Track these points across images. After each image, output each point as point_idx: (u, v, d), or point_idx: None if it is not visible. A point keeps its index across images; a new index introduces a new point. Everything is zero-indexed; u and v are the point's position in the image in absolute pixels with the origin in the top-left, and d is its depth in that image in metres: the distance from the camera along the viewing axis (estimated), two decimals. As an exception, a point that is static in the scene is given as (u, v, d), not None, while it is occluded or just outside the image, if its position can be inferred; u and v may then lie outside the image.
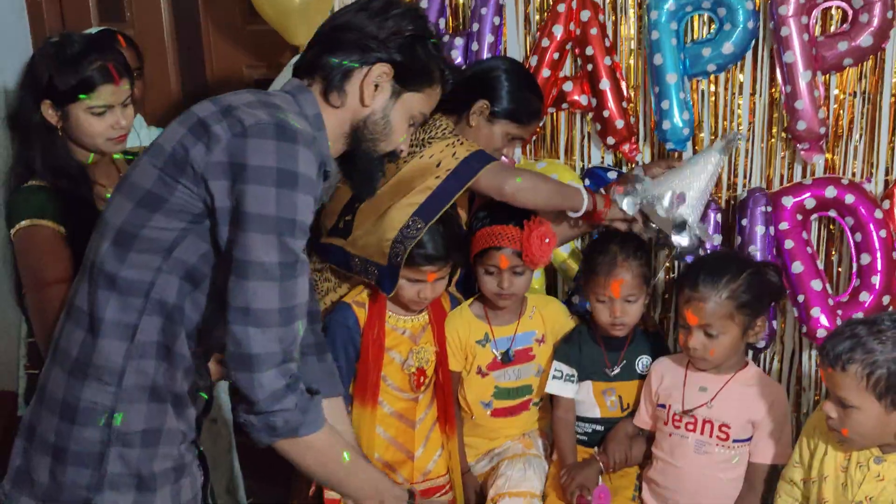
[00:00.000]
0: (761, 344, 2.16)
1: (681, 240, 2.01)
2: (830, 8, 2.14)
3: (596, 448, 2.14)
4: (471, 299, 2.20)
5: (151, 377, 1.35)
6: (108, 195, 1.90)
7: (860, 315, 2.07)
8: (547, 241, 2.02)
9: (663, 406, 2.01)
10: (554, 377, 2.12)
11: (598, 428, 2.16)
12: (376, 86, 1.47)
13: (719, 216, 2.28)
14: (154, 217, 1.30)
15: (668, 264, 2.12)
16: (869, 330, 1.63)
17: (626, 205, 2.04)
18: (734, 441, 1.93)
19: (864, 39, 2.08)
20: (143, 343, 1.33)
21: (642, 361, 2.13)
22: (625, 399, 2.14)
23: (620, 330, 2.07)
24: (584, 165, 2.43)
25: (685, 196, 2.02)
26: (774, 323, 2.23)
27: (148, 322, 1.33)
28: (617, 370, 2.13)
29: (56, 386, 1.36)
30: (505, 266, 2.04)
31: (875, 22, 2.06)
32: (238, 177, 1.26)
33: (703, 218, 2.17)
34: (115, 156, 1.96)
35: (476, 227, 2.09)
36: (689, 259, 2.13)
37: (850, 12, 2.10)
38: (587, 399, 2.14)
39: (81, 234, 1.80)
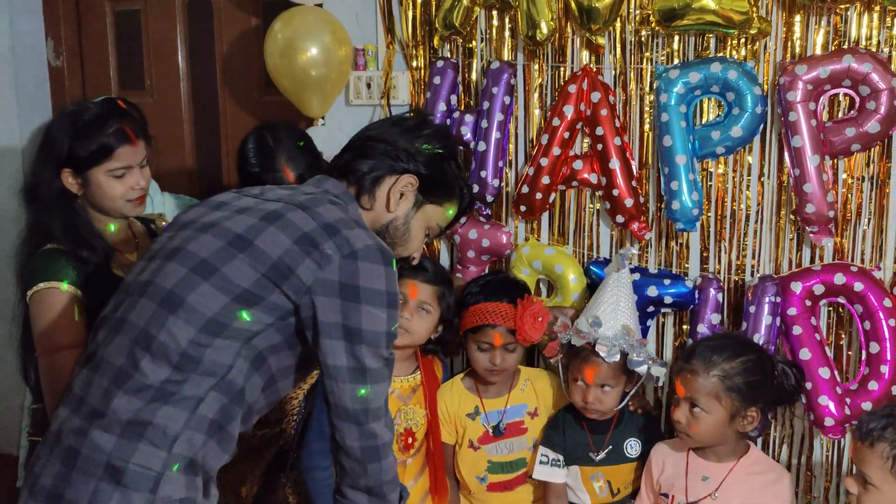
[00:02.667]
0: (753, 433, 2.13)
1: (607, 356, 2.00)
2: (838, 95, 2.17)
3: None
4: (462, 374, 2.21)
5: (196, 449, 1.40)
6: (134, 260, 1.94)
7: (869, 405, 2.05)
8: (539, 319, 2.06)
9: (666, 496, 1.97)
10: (541, 462, 2.11)
11: None
12: (402, 194, 1.60)
13: (721, 296, 2.27)
14: (246, 311, 1.40)
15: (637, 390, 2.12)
16: None
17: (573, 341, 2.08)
18: None
19: (872, 126, 2.10)
20: (202, 416, 1.39)
21: (630, 444, 2.10)
22: (614, 484, 2.10)
23: (594, 414, 2.06)
24: (591, 255, 2.44)
25: (598, 318, 2.05)
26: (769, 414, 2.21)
27: (213, 398, 1.40)
28: (602, 455, 2.10)
29: (95, 449, 1.36)
30: (498, 343, 2.06)
31: (882, 110, 2.08)
32: (350, 296, 1.40)
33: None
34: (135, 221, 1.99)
35: (469, 301, 2.11)
36: (657, 381, 2.13)
37: (858, 99, 2.13)
38: (576, 485, 2.11)
39: (98, 300, 1.83)
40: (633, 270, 2.32)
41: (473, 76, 2.51)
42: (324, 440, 2.07)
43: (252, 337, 1.41)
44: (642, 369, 2.02)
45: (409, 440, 2.11)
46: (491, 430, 2.15)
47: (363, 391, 1.44)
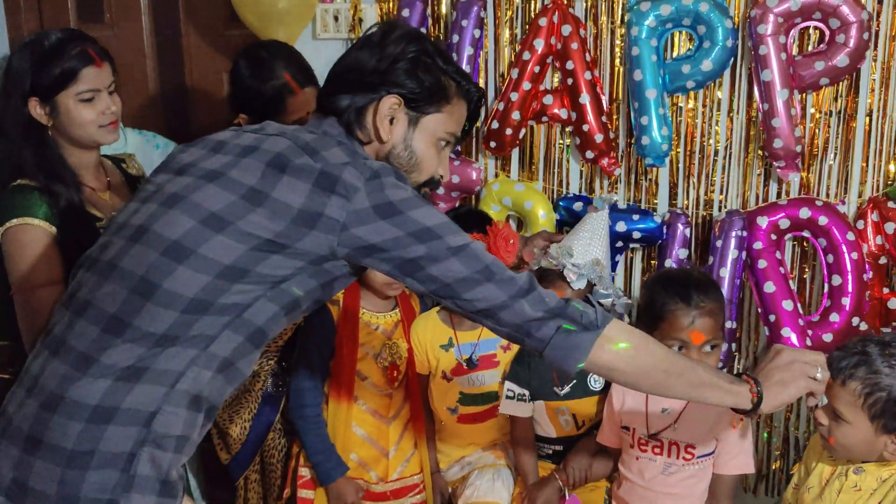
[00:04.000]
0: (718, 365, 2.17)
1: (573, 281, 2.02)
2: (808, 28, 2.16)
3: (555, 467, 2.15)
4: (438, 306, 2.22)
5: (202, 385, 1.35)
6: (107, 198, 1.90)
7: (830, 336, 2.10)
8: (511, 241, 2.06)
9: (627, 428, 2.01)
10: (507, 397, 2.14)
11: (558, 448, 2.17)
12: (390, 119, 1.46)
13: (689, 231, 2.29)
14: (273, 258, 1.33)
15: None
16: (880, 351, 1.62)
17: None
18: (699, 457, 1.94)
19: (841, 60, 2.10)
20: (212, 354, 1.35)
21: (594, 378, 2.14)
22: (579, 417, 2.15)
23: None
24: (560, 190, 2.44)
25: (571, 248, 2.06)
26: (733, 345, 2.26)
27: (226, 336, 1.35)
28: (567, 389, 2.13)
29: (83, 394, 1.31)
30: None
31: (851, 43, 2.08)
32: (391, 212, 1.33)
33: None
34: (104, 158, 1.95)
35: None
36: (620, 313, 2.12)
37: (828, 33, 2.12)
38: (541, 419, 2.15)
39: (71, 235, 1.80)
40: (608, 219, 2.32)
41: (443, 9, 2.46)
42: (311, 378, 2.10)
43: (281, 281, 1.35)
44: (607, 301, 2.04)
45: (395, 373, 2.14)
46: (464, 363, 2.18)
47: (470, 255, 1.35)
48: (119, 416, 1.30)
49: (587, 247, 2.07)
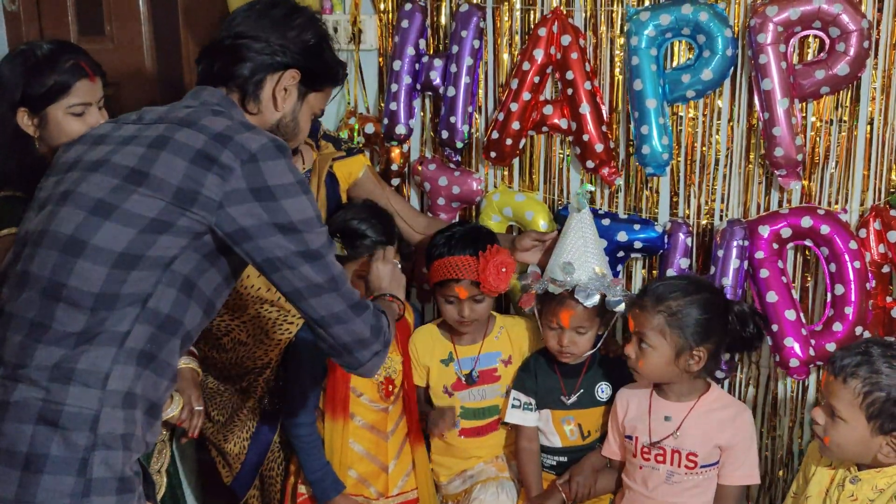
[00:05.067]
0: (720, 374, 2.16)
1: (585, 300, 2.02)
2: (808, 37, 2.16)
3: (557, 477, 2.13)
4: (439, 319, 2.22)
5: (129, 382, 1.38)
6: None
7: (833, 346, 2.09)
8: (504, 270, 2.05)
9: (630, 437, 2.00)
10: (513, 406, 2.13)
11: (563, 459, 2.16)
12: (286, 90, 1.58)
13: (690, 240, 2.28)
14: (160, 239, 1.37)
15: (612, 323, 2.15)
16: (883, 352, 1.65)
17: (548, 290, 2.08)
18: (702, 467, 1.93)
19: (841, 68, 2.09)
20: (130, 349, 1.37)
21: (601, 388, 2.13)
22: (584, 427, 2.14)
23: (568, 358, 2.08)
24: (561, 201, 2.43)
25: (571, 263, 2.05)
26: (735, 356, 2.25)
27: (139, 330, 1.38)
28: (574, 398, 2.12)
29: (25, 399, 1.33)
30: (464, 297, 2.08)
31: (852, 51, 2.07)
32: (266, 197, 1.38)
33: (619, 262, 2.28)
34: None
35: (434, 255, 2.10)
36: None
37: (828, 41, 2.12)
38: (547, 428, 2.14)
39: None
40: (602, 215, 2.33)
41: (443, 19, 2.46)
42: (304, 397, 2.09)
43: (170, 262, 1.38)
44: (621, 307, 2.04)
45: (390, 387, 2.12)
46: (463, 378, 2.17)
47: (323, 264, 1.46)
48: (64, 420, 1.33)
49: (584, 256, 2.06)
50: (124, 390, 1.37)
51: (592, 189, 2.33)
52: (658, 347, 1.89)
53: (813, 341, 2.15)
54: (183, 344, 1.46)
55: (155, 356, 1.40)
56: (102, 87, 1.88)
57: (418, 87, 2.47)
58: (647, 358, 1.90)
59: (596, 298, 2.01)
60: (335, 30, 2.54)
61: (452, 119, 2.40)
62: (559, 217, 2.40)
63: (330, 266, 1.47)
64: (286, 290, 1.47)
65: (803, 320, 2.18)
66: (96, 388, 1.35)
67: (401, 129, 2.49)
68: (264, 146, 1.40)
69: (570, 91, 2.30)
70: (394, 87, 2.46)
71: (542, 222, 2.38)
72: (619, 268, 2.37)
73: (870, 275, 2.14)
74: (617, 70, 2.32)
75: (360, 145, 2.49)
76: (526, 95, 2.33)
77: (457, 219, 2.52)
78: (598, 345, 2.12)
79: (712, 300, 1.94)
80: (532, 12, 2.36)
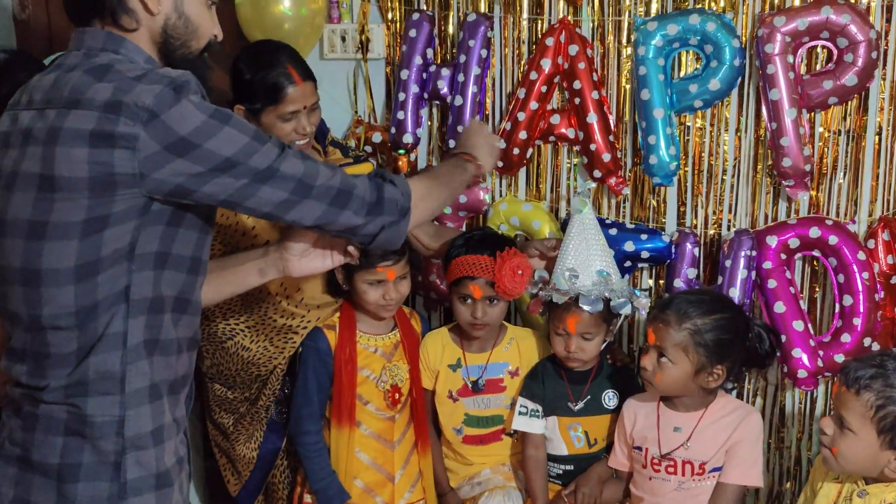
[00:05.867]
0: (727, 385, 2.15)
1: (589, 307, 2.00)
2: (816, 47, 2.15)
3: (563, 488, 2.13)
4: (451, 324, 2.22)
5: (148, 375, 1.36)
6: None
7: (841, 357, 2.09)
8: (520, 272, 2.04)
9: (640, 449, 1.99)
10: (520, 413, 2.12)
11: (569, 467, 2.15)
12: None
13: (697, 250, 2.28)
14: (105, 235, 1.29)
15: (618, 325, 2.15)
16: None
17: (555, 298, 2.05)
18: (711, 471, 1.93)
19: (849, 79, 2.09)
20: (134, 345, 1.34)
21: (608, 396, 2.13)
22: (591, 434, 2.13)
23: (576, 364, 2.08)
24: (569, 210, 2.43)
25: (574, 270, 2.03)
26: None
27: (134, 324, 1.34)
28: (581, 405, 2.12)
29: (51, 413, 1.34)
30: (478, 296, 2.06)
31: (860, 62, 2.07)
32: (185, 148, 1.27)
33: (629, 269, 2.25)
34: None
35: (452, 254, 2.10)
36: (643, 312, 2.12)
37: (836, 52, 2.12)
38: (554, 436, 2.13)
39: None
40: (610, 225, 2.32)
41: (450, 29, 2.47)
42: (310, 405, 2.08)
43: (131, 249, 1.31)
44: (626, 310, 2.03)
45: (396, 395, 2.12)
46: (470, 385, 2.16)
47: (281, 177, 1.35)
48: (90, 430, 1.33)
49: (587, 260, 2.06)
50: (146, 385, 1.36)
51: (593, 186, 2.31)
52: (679, 363, 1.88)
53: (821, 352, 2.14)
54: (178, 310, 1.40)
55: (157, 339, 1.37)
56: None
57: (426, 96, 2.48)
58: (665, 372, 1.90)
59: (599, 305, 2.01)
60: (343, 39, 2.55)
61: (460, 128, 2.41)
62: (566, 226, 2.40)
63: (290, 174, 1.36)
64: (261, 215, 1.39)
65: (811, 331, 2.17)
66: (115, 393, 1.34)
67: (408, 138, 2.49)
68: (159, 95, 1.25)
69: (577, 100, 2.31)
70: (401, 96, 2.46)
71: (548, 231, 2.38)
72: (626, 277, 2.37)
73: (878, 286, 2.14)
74: (624, 80, 2.32)
75: (367, 153, 2.50)
76: (533, 105, 2.33)
77: (464, 228, 2.52)
78: (604, 350, 2.12)
79: (735, 319, 1.93)
80: (539, 22, 2.36)
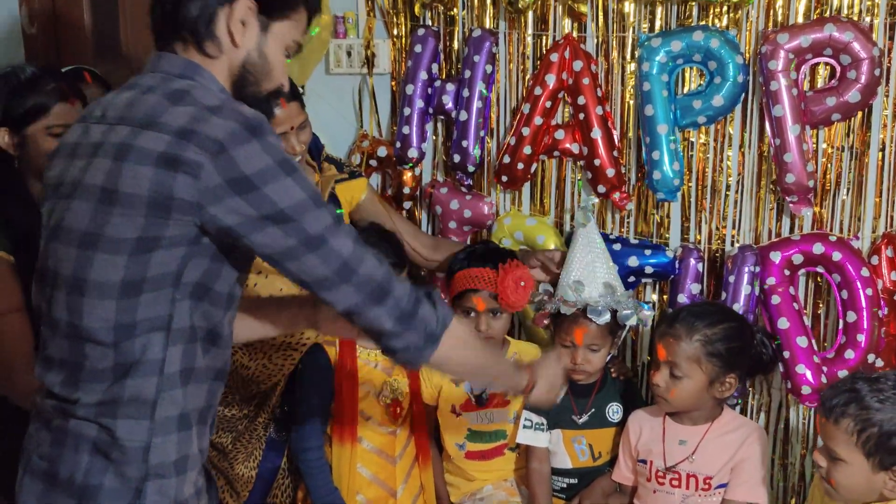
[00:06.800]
0: (731, 400, 2.16)
1: (598, 319, 2.02)
2: (819, 64, 2.16)
3: (566, 502, 2.12)
4: None
5: (180, 404, 1.36)
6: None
7: (845, 373, 2.08)
8: (523, 284, 2.05)
9: (644, 462, 1.99)
10: (524, 426, 2.12)
11: (573, 481, 2.15)
12: (243, 23, 1.40)
13: (701, 266, 2.28)
14: (153, 257, 1.30)
15: (623, 336, 2.16)
16: (870, 387, 1.63)
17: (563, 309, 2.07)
18: (717, 488, 1.93)
19: (852, 95, 2.10)
20: (170, 374, 1.35)
21: (613, 409, 2.13)
22: (595, 448, 2.13)
23: (581, 376, 2.08)
24: (573, 225, 2.44)
25: (581, 282, 2.05)
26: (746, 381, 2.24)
27: (173, 352, 1.34)
28: (585, 418, 2.12)
29: (80, 431, 1.34)
30: (482, 308, 2.07)
31: (863, 79, 2.08)
32: (245, 188, 1.27)
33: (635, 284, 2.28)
34: None
35: (455, 268, 2.11)
36: (647, 325, 2.14)
37: (839, 69, 2.13)
38: (558, 449, 2.14)
39: (30, 264, 1.82)
40: (614, 240, 2.33)
41: (455, 44, 2.49)
42: (311, 422, 2.08)
43: (178, 276, 1.32)
44: (633, 321, 2.04)
45: (398, 410, 2.12)
46: (473, 399, 2.17)
47: (328, 251, 1.33)
48: (116, 453, 1.33)
49: (592, 273, 2.07)
50: (176, 414, 1.36)
51: (596, 201, 2.32)
52: (693, 376, 1.89)
53: (825, 368, 2.14)
54: (209, 341, 1.41)
55: (193, 368, 1.38)
56: (83, 108, 1.93)
57: (431, 111, 2.49)
58: (680, 387, 1.90)
59: (607, 316, 2.02)
60: (349, 54, 2.57)
61: (464, 143, 2.42)
62: (569, 241, 2.40)
63: (337, 251, 1.33)
64: (296, 282, 1.37)
65: (815, 347, 2.17)
66: (145, 419, 1.33)
67: (413, 153, 2.50)
68: (232, 132, 1.27)
69: (581, 116, 2.32)
70: (406, 111, 2.48)
71: (552, 246, 2.39)
72: (630, 292, 2.37)
73: (882, 302, 2.14)
74: (628, 95, 2.33)
75: (362, 168, 2.51)
76: (538, 120, 2.34)
77: (468, 241, 2.53)
78: (607, 364, 2.13)
79: (741, 328, 1.95)
80: (544, 38, 2.38)
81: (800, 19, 2.16)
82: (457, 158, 2.45)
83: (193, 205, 1.27)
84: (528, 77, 2.41)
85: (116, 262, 1.30)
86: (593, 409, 2.12)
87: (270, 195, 1.27)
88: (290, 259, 1.33)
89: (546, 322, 2.14)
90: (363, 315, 1.38)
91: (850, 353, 2.12)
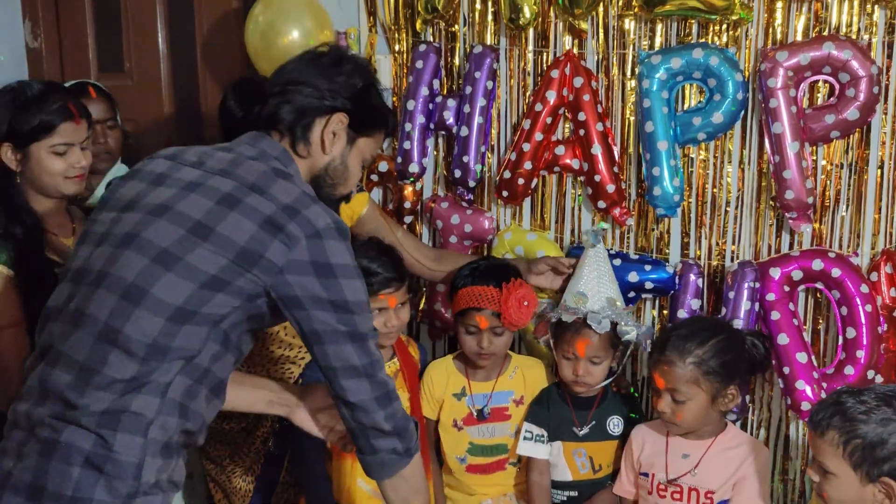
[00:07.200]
0: (731, 416, 2.16)
1: (597, 326, 2.04)
2: (818, 82, 2.18)
3: None
4: (454, 353, 2.23)
5: (170, 433, 1.41)
6: (71, 245, 1.93)
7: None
8: (526, 303, 2.06)
9: (646, 475, 2.00)
10: (525, 438, 2.13)
11: (573, 493, 2.15)
12: (335, 134, 1.58)
13: (701, 281, 2.29)
14: (217, 297, 1.40)
15: (626, 354, 2.17)
16: (855, 400, 1.66)
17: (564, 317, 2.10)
18: (718, 503, 1.93)
19: (851, 113, 2.11)
20: (171, 400, 1.40)
21: (613, 422, 2.14)
22: (596, 460, 2.13)
23: (582, 388, 2.09)
24: (573, 240, 2.46)
25: (584, 293, 2.08)
26: (747, 397, 2.25)
27: (178, 381, 1.40)
28: (586, 430, 2.13)
29: (73, 441, 1.35)
30: (484, 327, 2.08)
31: (861, 97, 2.10)
32: (326, 273, 1.43)
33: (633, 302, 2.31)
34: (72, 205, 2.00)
35: (458, 285, 2.12)
36: (646, 348, 2.15)
37: (838, 87, 2.14)
38: (559, 461, 2.14)
39: (29, 279, 1.83)
40: (614, 256, 2.34)
41: (456, 60, 2.50)
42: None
43: (221, 320, 1.41)
44: (632, 336, 2.05)
45: None
46: (475, 413, 2.17)
47: (365, 349, 1.49)
48: (110, 468, 1.35)
49: (597, 287, 2.09)
50: (164, 440, 1.40)
51: (607, 227, 2.34)
52: (695, 397, 1.91)
53: (825, 384, 2.14)
54: (214, 392, 1.48)
55: (188, 406, 1.43)
56: (87, 128, 1.95)
57: (432, 126, 2.51)
58: (685, 410, 1.92)
59: (607, 325, 2.03)
60: (351, 69, 2.58)
61: (465, 158, 2.43)
62: (570, 256, 2.41)
63: (370, 351, 1.50)
64: (323, 364, 1.50)
65: (815, 363, 2.17)
66: (140, 436, 1.37)
67: (414, 168, 2.52)
68: (329, 226, 1.44)
69: (582, 132, 2.33)
70: (408, 127, 2.49)
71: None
72: (630, 307, 2.38)
73: (881, 318, 2.14)
74: (629, 112, 2.35)
75: (363, 182, 2.51)
76: (538, 136, 2.35)
77: (470, 253, 2.53)
78: (611, 381, 2.13)
79: (730, 338, 1.97)
80: (545, 54, 2.39)
81: (798, 37, 2.17)
82: (458, 173, 2.46)
83: (277, 268, 1.40)
84: (528, 93, 2.42)
85: (183, 287, 1.38)
86: (594, 422, 2.13)
87: (342, 287, 1.44)
88: (332, 342, 1.47)
89: (546, 336, 2.15)
90: (369, 411, 1.51)
91: (849, 370, 2.13)
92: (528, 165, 2.38)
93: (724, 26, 2.21)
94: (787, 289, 2.19)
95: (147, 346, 1.37)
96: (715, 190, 2.31)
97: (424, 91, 2.47)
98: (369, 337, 1.50)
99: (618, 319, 2.05)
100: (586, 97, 2.30)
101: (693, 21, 2.24)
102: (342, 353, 1.47)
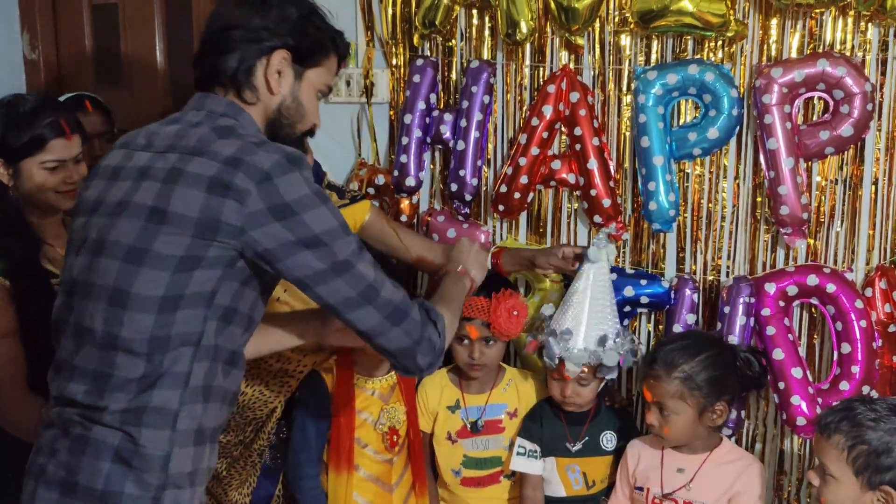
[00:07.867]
0: (727, 431, 2.16)
1: (574, 369, 2.02)
2: (813, 98, 2.19)
3: None
4: (448, 366, 2.22)
5: (199, 418, 1.42)
6: (65, 257, 1.93)
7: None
8: (515, 313, 2.05)
9: (641, 489, 2.00)
10: (518, 453, 2.13)
11: None
12: (279, 73, 1.52)
13: (696, 296, 2.29)
14: (194, 275, 1.38)
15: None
16: (866, 407, 1.69)
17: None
18: None
19: (845, 129, 2.13)
20: (194, 387, 1.40)
21: (607, 437, 2.13)
22: (589, 476, 2.13)
23: (572, 407, 2.09)
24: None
25: (570, 330, 2.02)
26: (742, 412, 2.25)
27: (198, 367, 1.41)
28: (579, 445, 2.12)
29: (102, 439, 1.38)
30: (475, 336, 2.08)
31: (856, 113, 2.11)
32: (285, 214, 1.37)
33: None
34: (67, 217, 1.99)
35: None
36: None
37: (832, 103, 2.16)
38: (552, 477, 2.14)
39: (26, 290, 1.83)
40: (609, 270, 2.33)
41: (453, 75, 2.51)
42: (308, 449, 2.08)
43: (213, 296, 1.39)
44: (613, 375, 2.05)
45: (394, 437, 2.11)
46: (469, 426, 2.17)
47: (354, 275, 1.44)
48: (138, 461, 1.37)
49: (588, 320, 2.03)
50: (194, 428, 1.41)
51: (613, 251, 2.14)
52: (681, 412, 1.92)
53: (820, 399, 2.14)
54: (229, 363, 1.47)
55: (211, 386, 1.43)
56: (81, 143, 1.95)
57: (428, 140, 2.52)
58: (671, 424, 1.93)
59: (577, 370, 2.01)
60: (347, 83, 2.59)
61: (462, 172, 2.44)
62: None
63: (362, 275, 1.45)
64: (324, 305, 1.47)
65: (810, 378, 2.18)
66: (167, 429, 1.38)
67: (410, 182, 2.52)
68: (277, 162, 1.38)
69: (578, 146, 2.34)
70: (404, 140, 2.50)
71: (547, 280, 2.40)
72: (626, 322, 2.38)
73: (876, 334, 2.15)
74: (624, 127, 2.36)
75: (362, 193, 2.51)
76: (534, 150, 2.36)
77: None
78: (601, 392, 2.13)
79: (720, 354, 1.97)
80: (541, 69, 2.40)
81: (793, 54, 2.19)
82: (454, 187, 2.46)
83: (238, 228, 1.36)
84: (525, 108, 2.43)
85: (160, 278, 1.37)
86: (587, 438, 2.12)
87: (307, 221, 1.38)
88: (319, 282, 1.42)
89: (535, 348, 2.14)
90: (382, 334, 1.48)
91: (844, 385, 2.13)
92: (524, 180, 2.38)
93: (720, 42, 2.23)
94: (782, 304, 2.19)
95: (147, 343, 1.37)
96: (710, 205, 2.32)
97: (421, 105, 2.47)
98: (355, 261, 1.44)
99: (600, 360, 2.02)
100: (582, 112, 2.31)
101: (688, 37, 2.26)
102: (333, 289, 1.43)
